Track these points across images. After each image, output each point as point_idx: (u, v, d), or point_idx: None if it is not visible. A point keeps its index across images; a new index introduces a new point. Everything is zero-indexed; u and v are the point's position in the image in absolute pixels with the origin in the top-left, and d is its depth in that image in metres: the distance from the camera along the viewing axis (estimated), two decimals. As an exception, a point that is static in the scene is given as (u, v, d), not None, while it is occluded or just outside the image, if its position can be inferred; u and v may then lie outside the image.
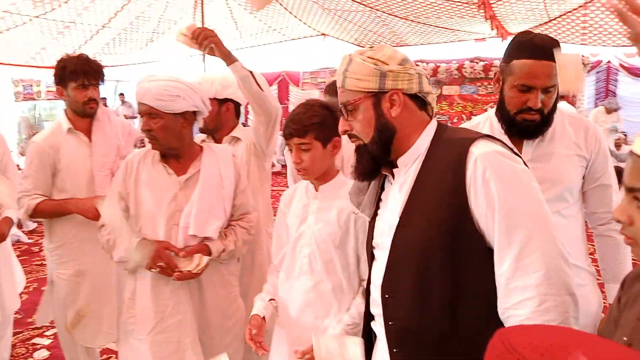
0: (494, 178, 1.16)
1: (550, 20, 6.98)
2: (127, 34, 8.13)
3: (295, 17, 8.10)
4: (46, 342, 3.89)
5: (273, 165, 9.72)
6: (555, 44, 1.68)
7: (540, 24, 7.18)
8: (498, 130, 1.80)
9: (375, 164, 1.35)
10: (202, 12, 5.85)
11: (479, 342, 0.75)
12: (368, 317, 1.47)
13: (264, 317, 1.86)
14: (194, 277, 1.99)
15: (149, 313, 2.05)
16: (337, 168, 1.95)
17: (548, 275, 1.12)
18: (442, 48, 9.62)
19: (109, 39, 8.26)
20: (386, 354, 1.33)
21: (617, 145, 8.44)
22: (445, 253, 1.20)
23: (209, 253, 2.03)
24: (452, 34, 8.51)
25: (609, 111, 9.27)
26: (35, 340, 3.92)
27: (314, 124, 1.77)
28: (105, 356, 3.52)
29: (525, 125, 1.72)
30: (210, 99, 2.51)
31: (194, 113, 2.11)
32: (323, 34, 9.17)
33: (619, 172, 1.47)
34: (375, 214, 1.44)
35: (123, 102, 13.45)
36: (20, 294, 3.35)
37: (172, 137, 2.05)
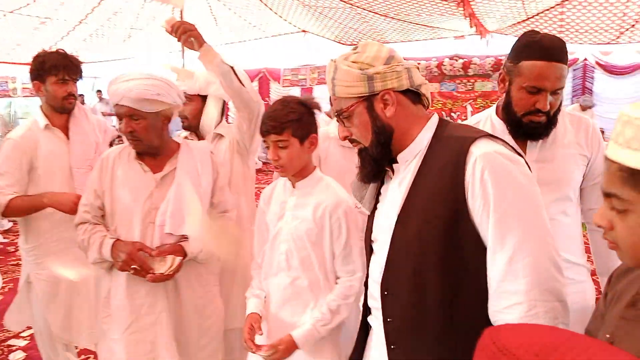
0: (491, 179, 1.15)
1: (528, 18, 7.06)
2: (105, 30, 8.03)
3: (275, 13, 8.07)
4: (22, 343, 3.82)
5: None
6: (563, 44, 1.67)
7: (518, 22, 7.27)
8: (500, 130, 1.79)
9: (377, 166, 1.34)
10: (181, 8, 5.79)
11: (477, 340, 0.75)
12: (366, 310, 1.47)
13: (261, 317, 1.88)
14: (167, 279, 1.97)
15: (123, 312, 2.02)
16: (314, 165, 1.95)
17: (539, 281, 1.12)
18: (422, 45, 9.68)
19: (86, 35, 8.14)
20: (383, 347, 1.34)
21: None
22: (442, 251, 1.20)
23: (184, 254, 2.01)
24: (431, 32, 8.55)
25: (584, 108, 9.41)
26: (11, 342, 3.85)
27: (291, 121, 1.77)
28: (83, 357, 3.47)
29: (532, 127, 1.71)
30: (193, 95, 2.49)
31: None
32: (304, 31, 9.15)
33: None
34: (375, 208, 1.44)
35: (101, 99, 13.25)
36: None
37: (154, 136, 2.03)
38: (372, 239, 1.42)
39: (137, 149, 2.06)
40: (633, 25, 6.79)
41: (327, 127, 2.82)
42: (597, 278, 1.96)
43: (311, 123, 1.84)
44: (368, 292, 1.43)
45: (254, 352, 1.78)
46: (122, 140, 2.19)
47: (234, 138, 2.50)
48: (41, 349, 2.80)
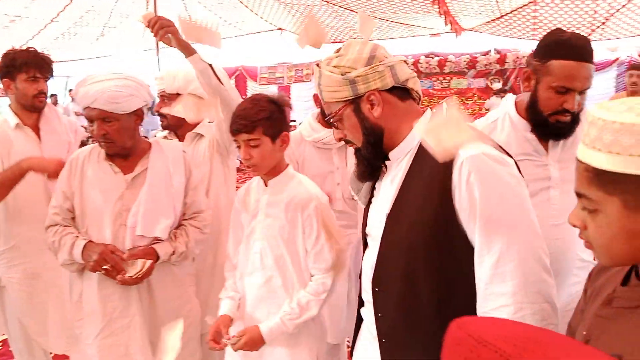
0: (478, 182, 1.15)
1: (502, 16, 7.15)
2: (77, 28, 7.89)
3: (251, 11, 8.03)
4: (-6, 349, 3.73)
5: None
6: (590, 44, 1.66)
7: (492, 20, 7.36)
8: (522, 128, 1.77)
9: (370, 166, 1.35)
10: (155, 5, 5.72)
11: None
12: (360, 302, 1.49)
13: (232, 319, 1.86)
14: (137, 283, 1.93)
15: (96, 316, 1.99)
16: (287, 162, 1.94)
17: (525, 283, 1.12)
18: (398, 43, 9.72)
19: (58, 34, 7.99)
20: (375, 341, 1.36)
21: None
22: (431, 251, 1.21)
23: (157, 256, 1.97)
24: (407, 29, 8.60)
25: None
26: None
27: (262, 119, 1.75)
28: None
29: (557, 127, 1.69)
30: (172, 94, 2.46)
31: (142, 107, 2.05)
32: (280, 29, 9.12)
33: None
34: (370, 202, 1.45)
35: (74, 98, 13.03)
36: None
37: (127, 137, 2.00)
38: (367, 232, 1.43)
39: (110, 151, 2.02)
40: (603, 23, 6.93)
41: (296, 130, 2.80)
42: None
43: (282, 121, 1.82)
44: (362, 285, 1.44)
45: (220, 348, 1.79)
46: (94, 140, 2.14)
47: (213, 137, 2.47)
48: (17, 356, 2.74)
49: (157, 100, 2.54)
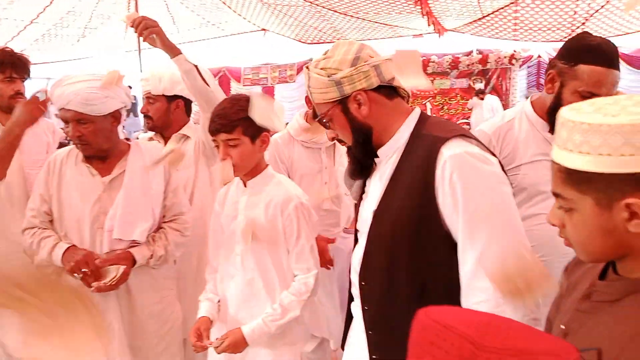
0: (460, 181, 1.18)
1: (484, 17, 7.21)
2: (58, 29, 7.78)
3: (234, 12, 8.00)
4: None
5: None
6: (617, 50, 1.66)
7: (474, 20, 7.42)
8: (541, 127, 1.77)
9: (360, 164, 1.39)
10: (137, 6, 5.67)
11: None
12: (350, 297, 1.52)
13: (212, 321, 1.85)
14: (112, 289, 1.90)
15: None
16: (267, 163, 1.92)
17: None
18: (382, 44, 9.76)
19: (38, 35, 7.88)
20: (362, 334, 1.41)
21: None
22: (413, 247, 1.25)
23: (134, 261, 1.95)
24: (390, 30, 8.64)
25: None
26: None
27: (241, 119, 1.72)
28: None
29: None
30: (158, 95, 2.43)
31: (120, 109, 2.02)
32: (263, 29, 9.09)
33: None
34: (361, 198, 1.48)
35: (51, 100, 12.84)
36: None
37: (103, 139, 1.97)
38: (357, 228, 1.47)
39: (86, 153, 1.99)
40: (583, 23, 7.01)
41: (282, 131, 2.80)
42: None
43: None
44: (351, 280, 1.48)
45: (203, 349, 1.77)
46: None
47: (199, 139, 2.44)
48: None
49: (137, 102, 2.52)
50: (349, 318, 1.55)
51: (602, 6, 6.40)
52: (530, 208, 1.80)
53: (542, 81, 12.18)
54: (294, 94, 13.72)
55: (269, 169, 1.88)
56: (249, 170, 1.81)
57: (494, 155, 1.28)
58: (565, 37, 7.93)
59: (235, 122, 1.72)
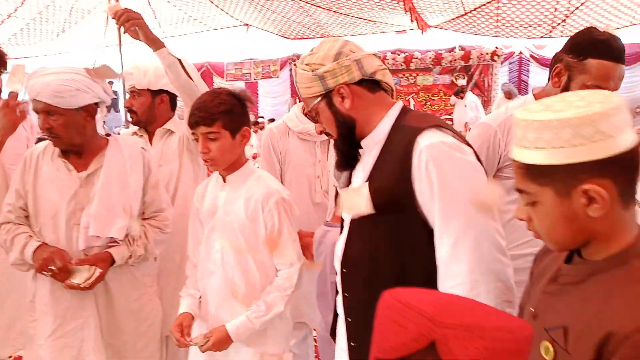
0: (435, 169, 1.22)
1: (466, 13, 7.27)
2: (37, 24, 7.66)
3: (216, 6, 7.94)
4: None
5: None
6: (623, 45, 1.68)
7: (457, 17, 7.47)
8: None
9: (344, 156, 1.44)
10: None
11: None
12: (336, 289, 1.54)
13: (193, 317, 1.82)
14: (84, 290, 1.87)
15: (48, 317, 1.93)
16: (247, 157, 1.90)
17: (479, 263, 1.20)
18: (365, 40, 9.77)
19: (16, 30, 7.75)
20: (343, 323, 1.44)
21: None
22: (392, 234, 1.29)
23: (112, 260, 1.92)
24: (374, 26, 8.66)
25: (508, 96, 9.55)
26: None
27: (222, 112, 1.70)
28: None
29: None
30: (142, 89, 2.40)
31: (96, 103, 1.98)
32: (246, 25, 9.05)
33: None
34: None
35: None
36: None
37: (75, 133, 1.92)
38: (343, 217, 1.49)
39: (57, 146, 1.96)
40: (564, 20, 7.10)
41: (280, 121, 2.80)
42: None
43: (243, 115, 1.78)
44: (336, 270, 1.50)
45: (187, 345, 1.75)
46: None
47: (184, 134, 2.40)
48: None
49: (119, 97, 2.50)
50: (335, 310, 1.56)
51: (582, 3, 6.49)
52: None
53: (523, 77, 12.34)
54: (278, 90, 13.69)
55: (249, 164, 1.86)
56: (229, 165, 1.79)
57: (469, 145, 1.32)
58: (545, 34, 8.02)
59: (216, 116, 1.70)
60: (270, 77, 13.32)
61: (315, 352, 2.92)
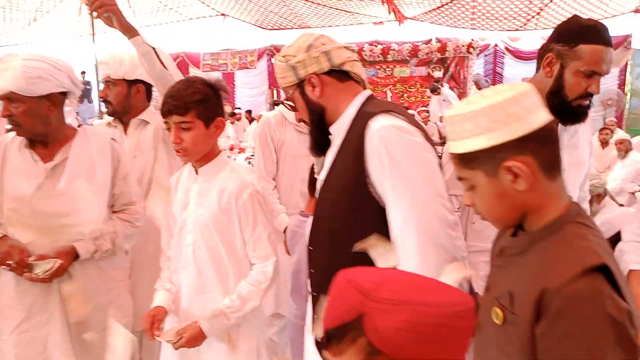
0: (385, 150, 1.31)
1: (443, 5, 7.31)
2: (7, 12, 7.47)
3: (192, -4, 7.85)
4: None
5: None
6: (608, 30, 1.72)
7: (433, 9, 7.51)
8: None
9: (316, 141, 1.53)
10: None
11: None
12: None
13: (167, 311, 1.78)
14: (44, 282, 1.83)
15: (12, 311, 1.89)
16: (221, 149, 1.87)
17: (427, 237, 1.29)
18: (343, 31, 9.76)
19: (-16, 17, 7.55)
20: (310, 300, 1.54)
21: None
22: (352, 212, 1.39)
23: (76, 254, 1.87)
24: (351, 17, 8.66)
25: (479, 86, 9.61)
26: None
27: (196, 102, 1.66)
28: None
29: (579, 111, 1.74)
30: (118, 79, 2.35)
31: (63, 93, 1.93)
32: (223, 14, 8.96)
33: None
34: None
35: None
36: None
37: (38, 122, 1.87)
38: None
39: (20, 135, 1.91)
40: (538, 13, 7.20)
41: (276, 111, 2.81)
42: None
43: (217, 105, 1.75)
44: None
45: (158, 338, 1.71)
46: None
47: (159, 125, 2.34)
48: None
49: (92, 88, 2.45)
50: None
51: (557, -4, 6.58)
52: None
53: (498, 70, 12.48)
54: (255, 80, 13.60)
55: (222, 156, 1.83)
56: (202, 156, 1.75)
57: (421, 129, 1.40)
58: (520, 27, 8.12)
59: (189, 105, 1.66)
60: (248, 68, 13.22)
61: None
